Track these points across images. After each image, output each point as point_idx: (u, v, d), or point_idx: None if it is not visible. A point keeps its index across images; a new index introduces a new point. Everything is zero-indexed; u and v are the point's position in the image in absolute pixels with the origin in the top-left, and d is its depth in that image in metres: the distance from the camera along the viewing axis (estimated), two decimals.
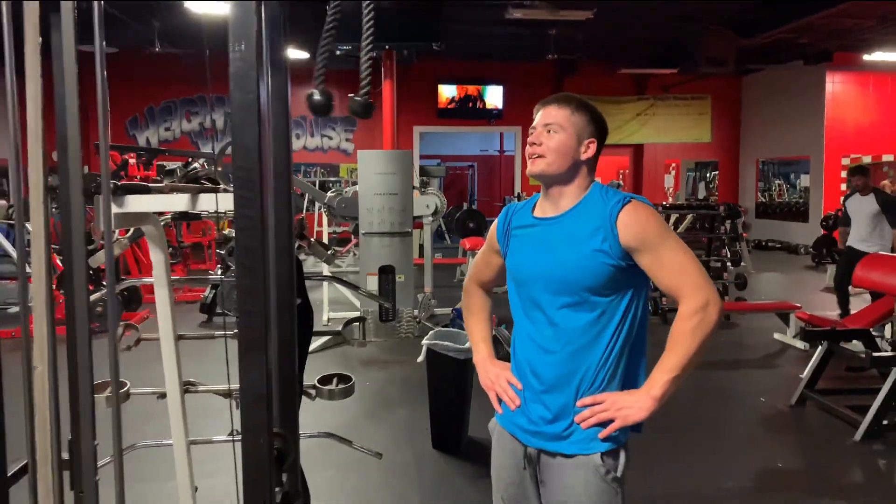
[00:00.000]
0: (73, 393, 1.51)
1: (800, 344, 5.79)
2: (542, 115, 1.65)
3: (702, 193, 14.79)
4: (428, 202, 6.29)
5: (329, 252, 2.74)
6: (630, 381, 1.61)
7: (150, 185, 1.71)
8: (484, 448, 3.77)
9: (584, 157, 1.63)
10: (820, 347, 4.51)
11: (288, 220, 1.68)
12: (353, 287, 4.00)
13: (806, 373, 4.52)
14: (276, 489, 1.61)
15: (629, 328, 1.59)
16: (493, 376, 1.78)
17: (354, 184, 6.61)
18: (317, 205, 7.29)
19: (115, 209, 1.64)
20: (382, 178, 5.62)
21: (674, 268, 1.53)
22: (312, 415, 3.93)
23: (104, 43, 1.20)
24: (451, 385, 3.69)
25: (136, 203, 1.63)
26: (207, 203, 1.67)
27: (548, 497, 1.65)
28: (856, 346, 4.56)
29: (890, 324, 4.81)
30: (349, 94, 1.35)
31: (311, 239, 2.48)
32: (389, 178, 5.62)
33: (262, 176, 1.32)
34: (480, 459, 3.65)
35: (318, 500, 2.94)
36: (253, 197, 1.32)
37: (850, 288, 6.22)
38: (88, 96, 1.18)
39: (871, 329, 4.63)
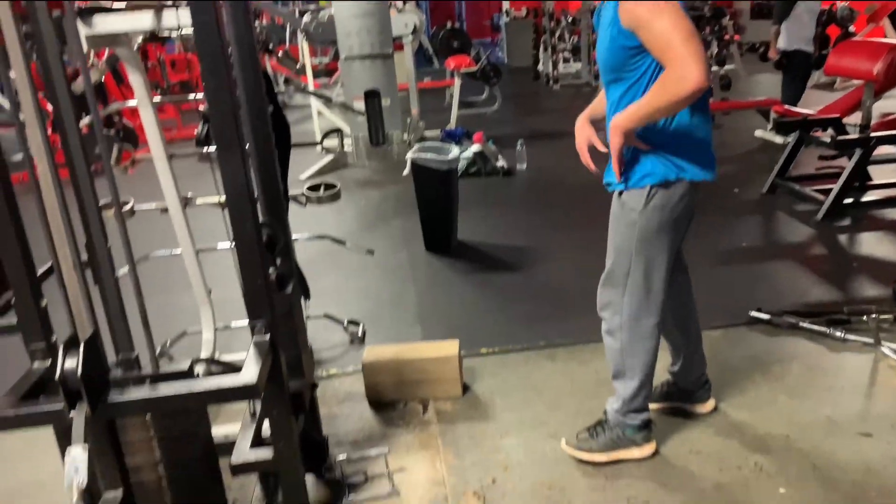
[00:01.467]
0: (80, 203, 1.72)
1: (779, 139, 5.94)
2: None
3: None
4: (406, 20, 6.18)
5: (297, 64, 2.84)
6: (655, 134, 1.85)
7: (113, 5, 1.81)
8: (473, 249, 4.12)
9: None
10: (792, 136, 4.67)
11: (248, 32, 1.81)
12: (325, 98, 4.10)
13: (779, 163, 4.72)
14: (271, 270, 1.88)
15: None
16: (579, 142, 2.01)
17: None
18: (299, 35, 7.16)
19: (85, 31, 1.76)
20: None
21: (660, 44, 1.67)
22: (315, 228, 4.21)
23: None
24: (437, 193, 3.94)
25: (104, 23, 1.74)
26: (170, 19, 1.78)
27: None
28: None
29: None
30: None
31: (279, 54, 2.58)
32: None
33: None
34: (469, 258, 3.99)
35: (324, 297, 3.29)
36: (207, 9, 1.44)
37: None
38: None
39: (842, 118, 4.76)
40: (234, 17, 1.74)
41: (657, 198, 1.86)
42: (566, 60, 11.48)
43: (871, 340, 2.68)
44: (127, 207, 2.41)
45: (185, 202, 2.45)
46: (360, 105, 5.50)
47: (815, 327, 2.83)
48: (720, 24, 7.41)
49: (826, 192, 4.30)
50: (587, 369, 2.67)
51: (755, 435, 2.22)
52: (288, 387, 1.78)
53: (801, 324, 2.86)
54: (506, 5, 13.61)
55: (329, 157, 5.82)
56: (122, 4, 1.79)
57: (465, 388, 2.58)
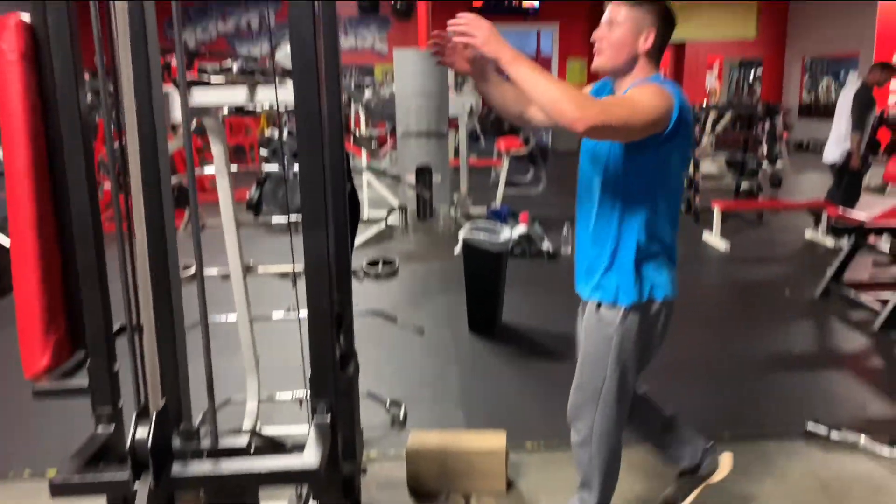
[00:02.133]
0: (157, 265, 1.74)
1: (829, 242, 5.86)
2: (606, 12, 1.81)
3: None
4: (464, 102, 6.34)
5: (373, 145, 2.91)
6: (627, 250, 1.83)
7: (211, 80, 1.87)
8: (516, 332, 4.07)
9: (642, 48, 1.77)
10: (847, 241, 4.60)
11: (338, 112, 1.85)
12: (392, 176, 4.16)
13: (832, 267, 4.63)
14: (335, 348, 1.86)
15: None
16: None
17: (392, 82, 6.66)
18: (353, 106, 7.39)
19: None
20: (419, 78, 5.67)
21: (625, 97, 1.68)
22: (361, 300, 4.21)
23: None
24: (486, 275, 3.93)
25: (203, 96, 1.81)
26: (266, 95, 1.84)
27: None
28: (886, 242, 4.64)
29: None
30: None
31: (357, 132, 2.65)
32: (426, 79, 5.68)
33: (317, 69, 1.48)
34: (513, 341, 3.93)
35: (365, 374, 3.25)
36: (311, 88, 1.49)
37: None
38: None
39: None
40: (329, 95, 1.79)
41: (632, 315, 1.85)
42: None
43: None
44: (189, 273, 2.43)
45: (248, 269, 2.47)
46: (411, 180, 5.60)
47: (876, 448, 2.70)
48: (773, 123, 7.46)
49: (883, 302, 4.19)
50: (637, 472, 2.57)
51: None
52: (342, 471, 1.74)
53: (861, 442, 2.74)
54: None
55: (376, 230, 5.88)
56: (221, 79, 1.86)
57: (510, 484, 2.50)
